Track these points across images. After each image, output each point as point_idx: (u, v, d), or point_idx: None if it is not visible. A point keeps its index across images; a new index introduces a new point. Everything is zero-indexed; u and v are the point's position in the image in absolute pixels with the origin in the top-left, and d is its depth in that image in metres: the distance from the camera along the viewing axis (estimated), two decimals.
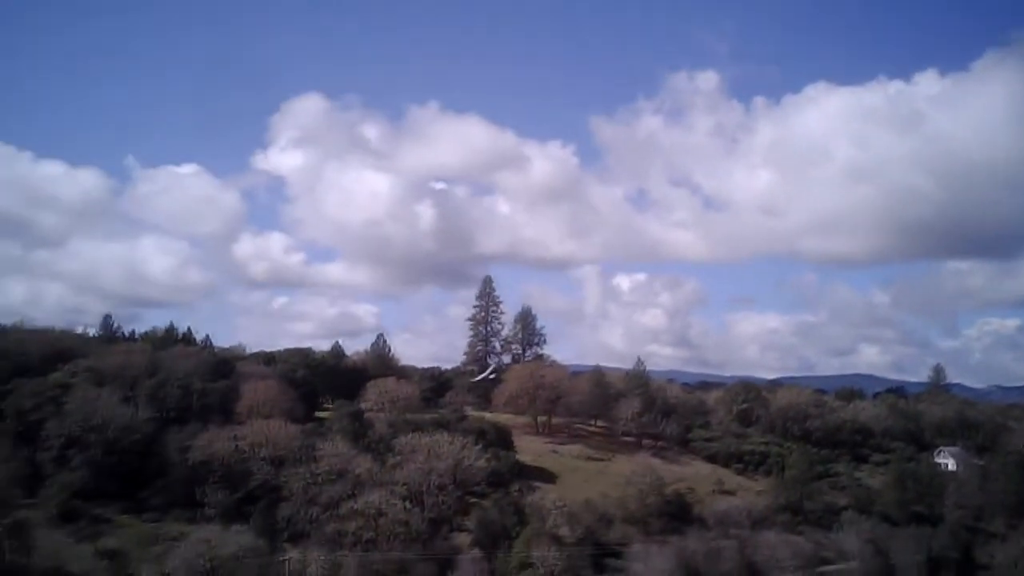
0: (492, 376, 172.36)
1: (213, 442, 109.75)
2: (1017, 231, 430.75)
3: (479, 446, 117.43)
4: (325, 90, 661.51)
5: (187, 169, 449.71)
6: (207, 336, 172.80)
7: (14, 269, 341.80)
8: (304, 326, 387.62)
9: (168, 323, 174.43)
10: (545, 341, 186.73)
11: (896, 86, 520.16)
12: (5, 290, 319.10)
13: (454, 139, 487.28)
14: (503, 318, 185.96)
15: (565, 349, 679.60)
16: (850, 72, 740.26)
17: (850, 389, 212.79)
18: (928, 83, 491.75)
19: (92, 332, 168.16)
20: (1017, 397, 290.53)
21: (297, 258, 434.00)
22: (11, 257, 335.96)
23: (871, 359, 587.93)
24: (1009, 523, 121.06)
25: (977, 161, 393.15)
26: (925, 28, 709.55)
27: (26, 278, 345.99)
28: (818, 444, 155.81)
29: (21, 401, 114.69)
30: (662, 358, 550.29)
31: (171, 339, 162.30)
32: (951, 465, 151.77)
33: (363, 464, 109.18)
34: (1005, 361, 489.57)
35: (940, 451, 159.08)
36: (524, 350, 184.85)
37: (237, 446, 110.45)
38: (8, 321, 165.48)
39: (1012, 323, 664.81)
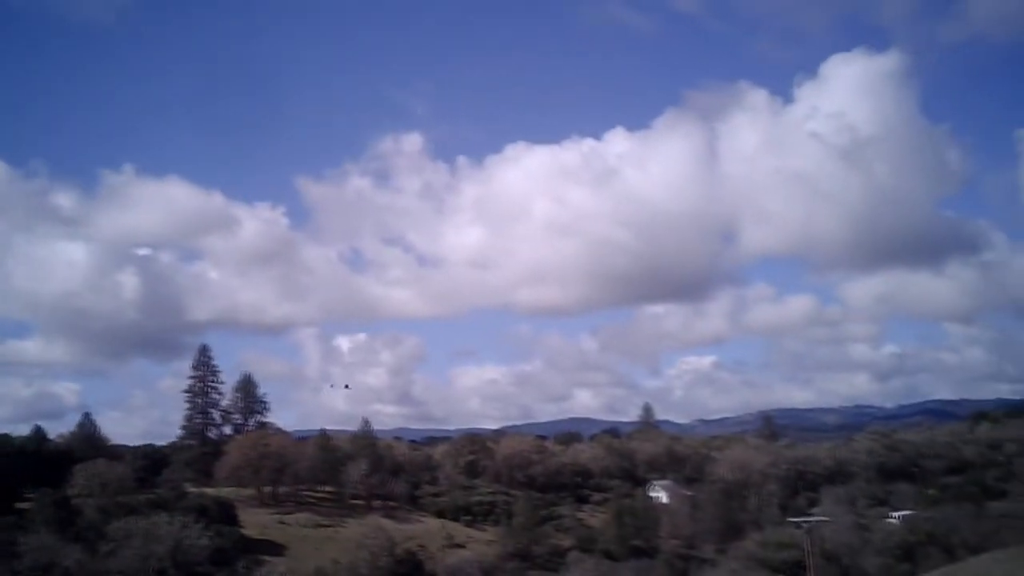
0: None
1: None
2: (704, 275, 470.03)
3: (200, 524, 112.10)
4: (4, 156, 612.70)
5: None
6: None
7: None
8: None
9: None
10: (268, 408, 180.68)
11: (589, 144, 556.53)
12: None
13: (155, 203, 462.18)
14: (222, 387, 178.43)
15: (289, 415, 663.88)
16: (546, 131, 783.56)
17: (569, 433, 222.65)
18: (617, 140, 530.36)
19: None
20: (718, 429, 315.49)
21: None
22: None
23: (586, 403, 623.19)
24: (718, 548, 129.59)
25: (665, 211, 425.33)
26: (611, 88, 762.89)
27: None
28: (542, 489, 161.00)
29: None
30: (388, 417, 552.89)
31: None
32: (664, 498, 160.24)
33: (72, 555, 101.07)
34: (704, 396, 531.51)
35: (653, 485, 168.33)
36: (246, 419, 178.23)
37: None
38: None
39: (707, 360, 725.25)
